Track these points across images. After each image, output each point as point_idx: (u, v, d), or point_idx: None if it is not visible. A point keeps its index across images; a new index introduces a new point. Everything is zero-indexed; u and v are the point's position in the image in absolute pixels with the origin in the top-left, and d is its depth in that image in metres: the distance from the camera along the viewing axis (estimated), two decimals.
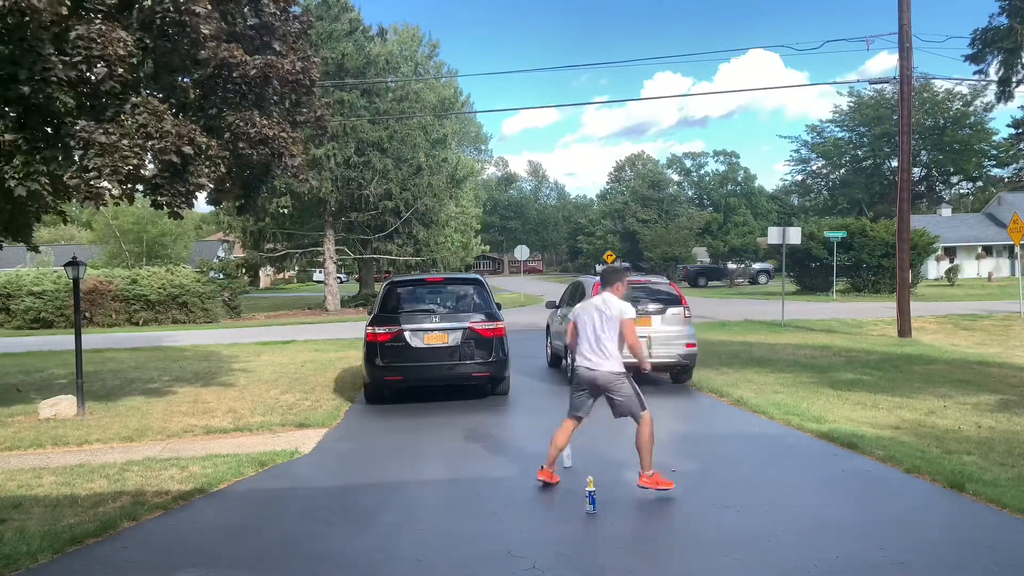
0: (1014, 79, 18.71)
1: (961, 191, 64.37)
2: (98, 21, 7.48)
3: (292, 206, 29.04)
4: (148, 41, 7.97)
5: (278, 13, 9.36)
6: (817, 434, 7.59)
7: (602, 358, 5.82)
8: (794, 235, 20.91)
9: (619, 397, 5.84)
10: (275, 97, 9.17)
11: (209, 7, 7.94)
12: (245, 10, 8.97)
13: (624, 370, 5.84)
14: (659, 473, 5.80)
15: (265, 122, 8.71)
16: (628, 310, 5.84)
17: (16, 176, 7.57)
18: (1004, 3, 17.80)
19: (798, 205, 71.18)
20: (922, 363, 12.47)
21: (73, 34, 7.26)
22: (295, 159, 9.13)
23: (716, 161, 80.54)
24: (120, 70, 7.39)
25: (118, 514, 5.47)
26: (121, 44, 7.34)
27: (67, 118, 7.73)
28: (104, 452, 7.70)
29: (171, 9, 7.71)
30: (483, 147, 76.84)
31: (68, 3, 7.15)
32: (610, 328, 5.81)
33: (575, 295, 12.23)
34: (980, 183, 60.14)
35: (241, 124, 8.53)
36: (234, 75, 8.41)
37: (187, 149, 7.91)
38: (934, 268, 44.87)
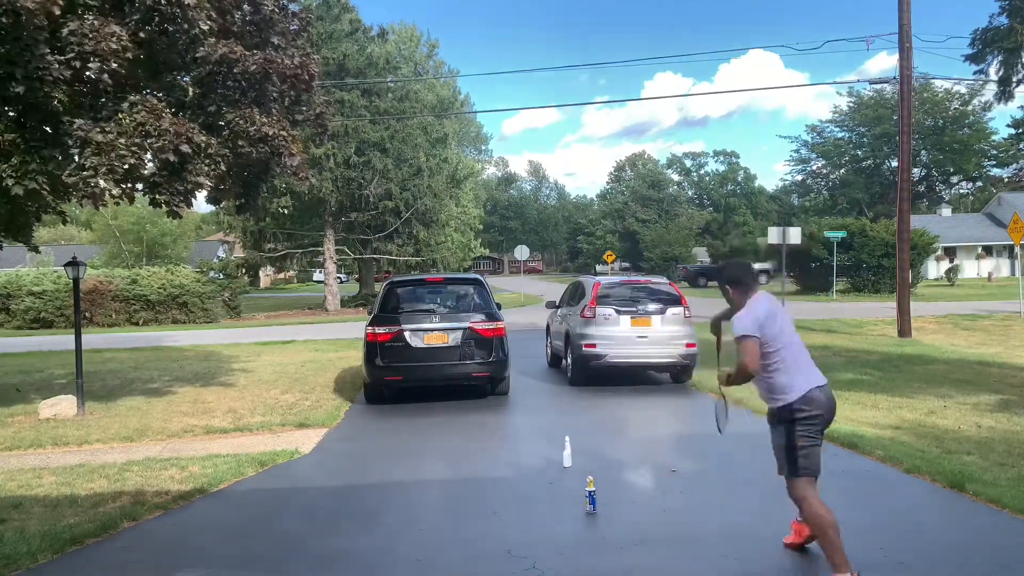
0: (1014, 79, 18.71)
1: (961, 191, 64.41)
2: (91, 17, 7.46)
3: (292, 206, 29.03)
4: (143, 36, 7.95)
5: (276, 10, 9.36)
6: None
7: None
8: (794, 235, 20.92)
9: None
10: (275, 94, 9.15)
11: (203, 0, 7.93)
12: (245, 7, 8.95)
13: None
14: None
15: (264, 120, 8.68)
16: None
17: (14, 175, 7.57)
18: (1004, 3, 17.81)
19: (798, 205, 71.23)
20: (922, 363, 12.47)
21: (65, 30, 7.25)
22: (294, 158, 9.11)
23: (716, 161, 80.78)
24: (114, 64, 7.36)
25: (118, 514, 5.46)
26: (114, 39, 7.31)
27: (64, 117, 7.73)
28: (104, 452, 7.70)
29: (163, 2, 7.69)
30: (483, 147, 76.88)
31: (61, 2, 7.14)
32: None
33: (575, 295, 12.23)
34: (980, 183, 60.15)
35: (241, 122, 8.51)
36: (234, 71, 8.39)
37: (185, 148, 7.90)
38: (934, 268, 44.87)
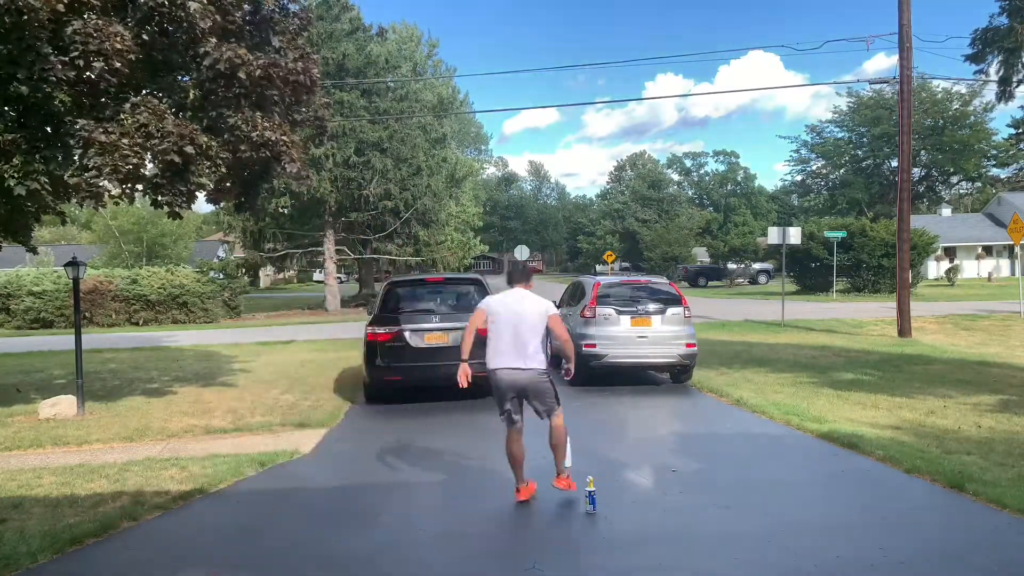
0: (1014, 79, 18.68)
1: (961, 191, 64.36)
2: (94, 17, 7.47)
3: (292, 206, 29.02)
4: (146, 37, 7.96)
5: (277, 10, 9.35)
6: (817, 434, 7.59)
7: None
8: (794, 235, 20.90)
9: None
10: (275, 97, 9.15)
11: (205, 1, 7.92)
12: (245, 6, 8.95)
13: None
14: None
15: (266, 124, 8.68)
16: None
17: (15, 175, 7.56)
18: (1004, 3, 17.77)
19: (798, 205, 71.15)
20: (922, 363, 12.47)
21: (69, 29, 7.24)
22: (295, 164, 9.10)
23: (716, 161, 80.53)
24: (118, 64, 7.35)
25: (118, 514, 5.46)
26: (118, 39, 7.31)
27: (66, 117, 7.73)
28: (104, 452, 7.70)
29: (166, 3, 7.70)
30: (483, 147, 76.90)
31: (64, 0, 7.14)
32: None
33: (575, 295, 12.22)
34: (980, 183, 60.13)
35: (243, 126, 8.50)
36: (239, 75, 8.38)
37: (189, 149, 7.90)
38: (934, 268, 44.88)
